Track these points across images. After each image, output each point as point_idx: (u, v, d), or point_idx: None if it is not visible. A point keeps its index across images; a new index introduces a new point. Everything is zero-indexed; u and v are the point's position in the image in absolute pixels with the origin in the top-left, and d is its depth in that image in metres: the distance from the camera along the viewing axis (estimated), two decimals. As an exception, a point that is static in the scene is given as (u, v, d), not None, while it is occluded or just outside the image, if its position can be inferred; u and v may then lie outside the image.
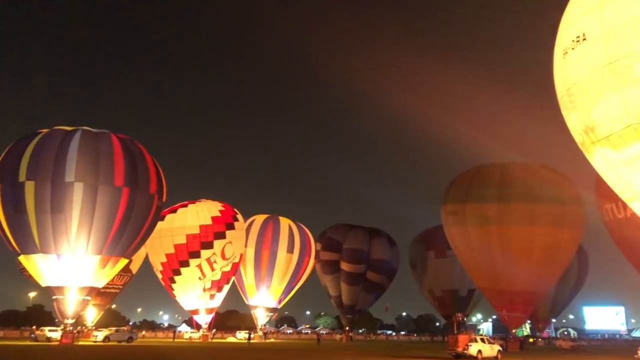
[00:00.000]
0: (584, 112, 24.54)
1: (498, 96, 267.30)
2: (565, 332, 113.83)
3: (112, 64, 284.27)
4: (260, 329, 70.18)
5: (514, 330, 59.02)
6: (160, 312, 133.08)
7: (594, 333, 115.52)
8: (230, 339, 72.25)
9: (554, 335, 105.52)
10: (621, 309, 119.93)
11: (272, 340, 75.95)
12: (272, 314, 71.23)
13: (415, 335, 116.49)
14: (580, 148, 26.82)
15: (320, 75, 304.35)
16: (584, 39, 23.44)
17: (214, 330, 69.83)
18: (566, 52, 24.82)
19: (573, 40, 24.19)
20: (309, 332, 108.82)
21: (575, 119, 25.45)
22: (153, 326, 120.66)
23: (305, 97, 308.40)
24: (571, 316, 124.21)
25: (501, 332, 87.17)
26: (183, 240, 58.09)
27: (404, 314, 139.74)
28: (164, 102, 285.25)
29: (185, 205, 61.10)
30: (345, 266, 72.65)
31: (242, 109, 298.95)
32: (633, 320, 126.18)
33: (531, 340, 72.15)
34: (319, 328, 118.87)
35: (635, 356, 34.29)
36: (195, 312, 61.73)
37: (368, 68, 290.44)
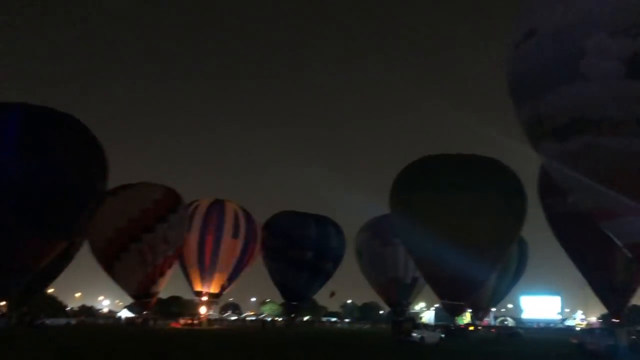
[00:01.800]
0: (532, 105, 24.99)
1: (446, 88, 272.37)
2: (504, 321, 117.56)
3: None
4: (204, 315, 69.05)
5: (455, 319, 60.23)
6: (100, 298, 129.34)
7: (530, 322, 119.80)
8: (174, 325, 70.89)
9: (493, 323, 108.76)
10: (557, 298, 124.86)
11: (215, 326, 74.97)
12: (216, 300, 70.15)
13: (361, 322, 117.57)
14: (527, 140, 27.30)
15: (270, 60, 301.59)
16: (535, 34, 23.91)
17: (155, 316, 68.19)
18: (518, 46, 25.25)
19: (525, 34, 24.67)
20: (254, 318, 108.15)
21: (524, 111, 25.93)
22: (92, 312, 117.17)
23: (254, 82, 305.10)
24: (510, 305, 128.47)
25: (443, 320, 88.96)
26: (124, 225, 56.16)
27: (349, 301, 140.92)
28: (101, 75, 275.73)
29: (125, 188, 59.01)
30: (291, 253, 72.35)
31: (187, 91, 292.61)
32: (567, 310, 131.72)
33: (471, 328, 73.75)
34: (264, 315, 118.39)
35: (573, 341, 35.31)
36: (137, 297, 59.99)
37: (317, 54, 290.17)
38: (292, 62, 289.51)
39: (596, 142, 23.89)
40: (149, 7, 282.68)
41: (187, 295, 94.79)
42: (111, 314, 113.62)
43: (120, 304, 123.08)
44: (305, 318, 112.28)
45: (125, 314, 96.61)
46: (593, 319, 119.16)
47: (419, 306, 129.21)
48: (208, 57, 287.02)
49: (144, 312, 64.23)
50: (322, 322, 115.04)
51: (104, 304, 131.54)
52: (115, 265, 57.69)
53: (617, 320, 51.97)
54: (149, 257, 57.31)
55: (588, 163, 24.79)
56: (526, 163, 52.53)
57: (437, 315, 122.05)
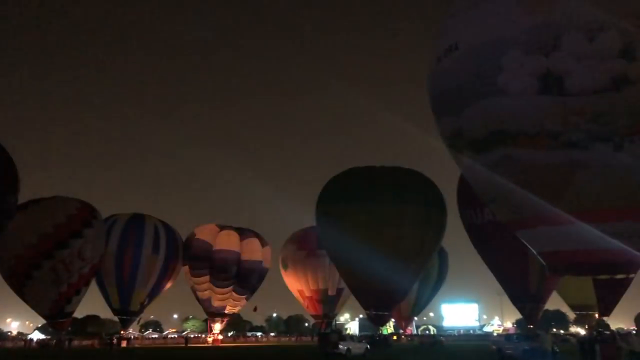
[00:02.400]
0: (453, 118, 25.77)
1: (372, 101, 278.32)
2: (426, 329, 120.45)
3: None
4: (124, 334, 66.18)
5: (379, 329, 60.99)
6: (8, 320, 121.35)
7: (451, 329, 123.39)
8: (91, 346, 67.49)
9: (415, 332, 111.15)
10: (475, 306, 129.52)
11: (136, 345, 71.99)
12: (135, 318, 67.46)
13: (294, 336, 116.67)
14: (448, 152, 28.09)
15: (191, 69, 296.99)
16: (456, 48, 24.78)
17: (69, 337, 64.56)
18: (439, 60, 26.03)
19: (446, 49, 25.51)
20: (176, 336, 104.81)
21: (444, 124, 26.66)
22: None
23: (174, 91, 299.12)
24: (431, 314, 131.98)
25: (367, 331, 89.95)
26: (34, 241, 52.88)
27: (274, 314, 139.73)
28: (14, 91, 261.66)
29: (37, 202, 55.69)
30: (214, 268, 70.77)
31: (104, 100, 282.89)
32: (485, 316, 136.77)
33: (395, 337, 75.06)
34: (186, 332, 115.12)
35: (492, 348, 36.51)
36: (50, 317, 56.57)
37: (240, 65, 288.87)
38: (214, 71, 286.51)
39: (513, 154, 24.94)
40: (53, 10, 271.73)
41: (105, 314, 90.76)
42: (21, 336, 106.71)
43: (31, 325, 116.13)
44: (230, 333, 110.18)
45: (37, 335, 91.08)
46: (509, 325, 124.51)
47: (344, 317, 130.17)
48: (124, 65, 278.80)
49: (59, 333, 60.65)
50: (248, 336, 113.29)
51: (13, 325, 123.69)
52: (25, 284, 54.15)
53: (532, 326, 54.49)
54: (64, 275, 54.23)
55: (505, 174, 25.83)
56: (446, 175, 54.37)
57: (362, 326, 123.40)
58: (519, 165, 25.13)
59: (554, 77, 23.01)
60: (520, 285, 51.63)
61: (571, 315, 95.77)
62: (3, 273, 54.70)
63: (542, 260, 29.52)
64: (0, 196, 41.78)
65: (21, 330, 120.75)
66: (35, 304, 56.28)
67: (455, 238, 61.71)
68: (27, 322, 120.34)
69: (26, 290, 54.84)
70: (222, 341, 78.45)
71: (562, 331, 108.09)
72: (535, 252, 29.43)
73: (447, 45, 25.60)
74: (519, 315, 68.12)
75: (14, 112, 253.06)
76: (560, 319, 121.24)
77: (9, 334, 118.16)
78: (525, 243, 29.57)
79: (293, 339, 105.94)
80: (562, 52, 22.74)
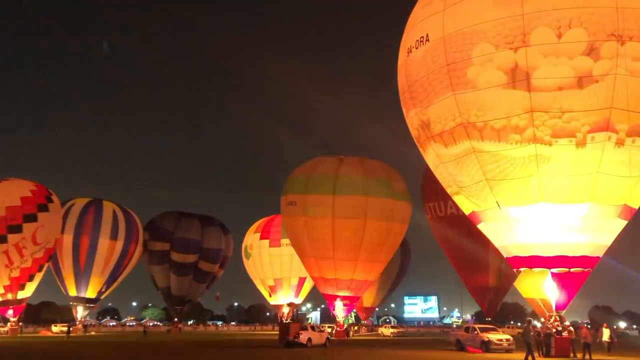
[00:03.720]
0: (422, 109, 25.91)
1: (339, 91, 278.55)
2: (387, 320, 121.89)
3: None
4: (80, 321, 64.81)
5: (341, 319, 61.29)
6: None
7: (411, 320, 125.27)
8: (46, 333, 65.78)
9: (376, 323, 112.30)
10: (435, 298, 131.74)
11: (92, 333, 70.62)
12: (92, 305, 66.14)
13: (251, 325, 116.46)
14: (415, 143, 28.24)
15: (160, 56, 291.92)
16: (427, 40, 24.91)
17: (21, 323, 62.66)
18: (410, 51, 26.11)
19: (417, 40, 25.63)
20: (134, 324, 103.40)
21: (413, 115, 26.87)
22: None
23: (137, 76, 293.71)
24: (392, 305, 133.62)
25: (329, 321, 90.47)
26: (-15, 223, 51.23)
27: (235, 304, 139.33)
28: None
29: (-11, 184, 53.91)
30: (175, 256, 69.99)
31: (64, 80, 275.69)
32: (445, 308, 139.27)
33: (356, 328, 75.59)
34: (145, 320, 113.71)
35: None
36: (2, 303, 54.93)
37: (210, 51, 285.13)
38: (181, 51, 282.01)
39: (479, 146, 25.27)
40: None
41: (61, 301, 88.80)
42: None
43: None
44: (190, 322, 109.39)
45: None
46: (468, 317, 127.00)
47: (306, 307, 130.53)
48: (82, 52, 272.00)
49: (11, 320, 58.87)
50: (208, 325, 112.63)
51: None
52: (-25, 268, 52.45)
53: (490, 318, 55.65)
54: (16, 260, 52.70)
55: (471, 167, 26.17)
56: (412, 167, 54.85)
57: (323, 316, 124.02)
58: (484, 158, 25.47)
59: (521, 72, 23.35)
60: (479, 279, 52.70)
61: (529, 308, 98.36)
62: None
63: (502, 253, 30.11)
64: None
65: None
66: (-15, 290, 54.56)
67: (418, 231, 62.47)
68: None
69: (-22, 276, 53.12)
70: (181, 330, 77.68)
71: (519, 323, 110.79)
72: (495, 244, 29.98)
73: (418, 36, 25.69)
74: (478, 308, 69.50)
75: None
76: (518, 312, 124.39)
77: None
78: (486, 236, 30.08)
79: (255, 328, 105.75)
80: (530, 48, 23.06)
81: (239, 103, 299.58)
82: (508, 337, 32.86)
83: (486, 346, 31.32)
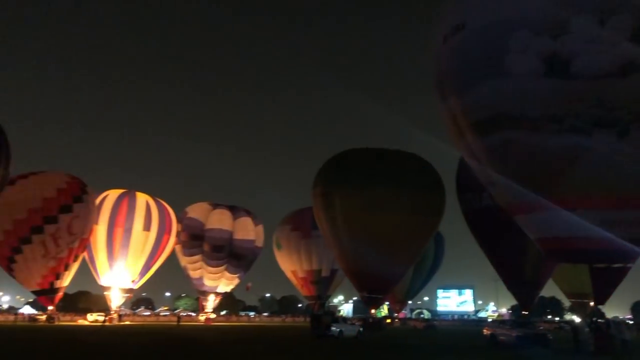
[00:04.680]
0: (456, 99, 25.53)
1: (370, 82, 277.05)
2: (420, 313, 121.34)
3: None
4: (115, 311, 66.38)
5: (373, 311, 61.25)
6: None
7: (445, 314, 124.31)
8: (82, 322, 67.65)
9: (409, 316, 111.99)
10: (470, 291, 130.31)
11: (127, 322, 72.26)
12: (127, 295, 67.61)
13: (280, 316, 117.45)
14: (448, 134, 27.89)
15: (186, 50, 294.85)
16: (463, 28, 24.49)
17: (56, 311, 64.48)
18: (445, 39, 25.75)
19: (453, 28, 25.23)
20: (168, 314, 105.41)
21: (448, 104, 26.47)
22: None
23: (168, 72, 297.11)
24: (426, 298, 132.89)
25: (361, 313, 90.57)
26: (23, 215, 52.90)
27: (267, 295, 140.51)
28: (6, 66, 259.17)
29: (25, 177, 55.50)
30: (207, 247, 70.91)
31: (99, 76, 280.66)
32: (480, 302, 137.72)
33: (388, 320, 75.59)
34: (179, 310, 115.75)
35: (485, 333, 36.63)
36: (40, 292, 56.67)
37: (235, 44, 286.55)
38: (208, 51, 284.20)
39: (516, 137, 24.79)
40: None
41: (96, 290, 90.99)
42: (12, 310, 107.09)
43: (22, 299, 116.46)
44: (223, 312, 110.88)
45: (27, 310, 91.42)
46: (504, 311, 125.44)
47: (338, 299, 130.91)
48: (119, 45, 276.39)
49: (49, 308, 60.79)
50: (240, 316, 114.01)
51: (3, 300, 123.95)
52: (14, 259, 54.12)
53: (526, 312, 54.79)
54: (52, 250, 54.22)
55: (507, 158, 25.72)
56: (445, 158, 54.25)
57: (355, 308, 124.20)
58: (520, 149, 24.96)
59: (560, 60, 22.75)
60: (516, 271, 51.77)
61: (567, 302, 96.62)
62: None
63: (538, 246, 29.54)
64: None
65: (12, 304, 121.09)
66: (24, 279, 56.26)
67: (453, 223, 61.79)
68: (17, 297, 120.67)
69: (15, 266, 54.79)
70: (214, 320, 78.78)
71: (557, 318, 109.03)
72: (532, 237, 29.43)
73: (454, 24, 25.29)
74: (514, 302, 68.51)
75: (5, 87, 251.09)
76: (555, 306, 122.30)
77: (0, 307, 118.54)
78: (523, 228, 29.55)
79: (286, 319, 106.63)
80: (571, 35, 22.43)
81: (269, 94, 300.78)
82: (544, 332, 32.39)
83: (521, 341, 30.92)
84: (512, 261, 50.79)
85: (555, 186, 25.43)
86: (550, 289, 69.69)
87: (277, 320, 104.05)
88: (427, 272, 75.38)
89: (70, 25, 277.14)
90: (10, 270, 55.43)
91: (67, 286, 60.45)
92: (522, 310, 55.74)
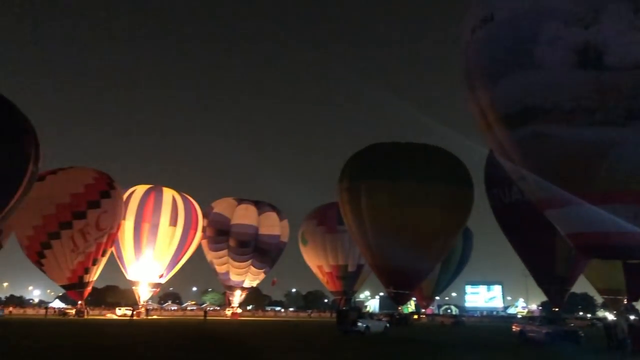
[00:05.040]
0: (485, 91, 25.18)
1: (396, 76, 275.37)
2: (448, 309, 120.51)
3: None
4: (143, 305, 67.37)
5: (400, 307, 61.03)
6: (30, 287, 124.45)
7: (473, 310, 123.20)
8: (110, 316, 68.91)
9: (437, 312, 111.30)
10: (499, 287, 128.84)
11: (154, 317, 73.31)
12: (154, 289, 68.57)
13: (305, 311, 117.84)
14: (476, 128, 27.53)
15: (211, 47, 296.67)
16: (492, 19, 24.14)
17: (85, 305, 65.80)
18: (474, 31, 25.39)
19: (481, 20, 24.88)
20: (195, 308, 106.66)
21: (476, 98, 26.08)
22: (22, 302, 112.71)
23: (195, 70, 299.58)
24: (454, 294, 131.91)
25: (388, 309, 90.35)
26: (52, 211, 54.05)
27: (293, 290, 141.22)
28: (33, 55, 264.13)
29: (54, 173, 56.66)
30: (232, 242, 71.41)
31: (127, 73, 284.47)
32: (509, 298, 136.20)
33: (415, 316, 75.25)
34: (205, 304, 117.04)
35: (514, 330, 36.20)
36: (69, 286, 57.82)
37: (261, 40, 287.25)
38: (234, 47, 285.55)
39: (546, 130, 24.32)
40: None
41: (124, 285, 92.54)
42: (43, 304, 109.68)
43: (52, 293, 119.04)
44: (249, 307, 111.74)
45: (57, 304, 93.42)
46: (534, 307, 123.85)
47: (364, 294, 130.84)
48: (145, 41, 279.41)
49: (78, 303, 62.02)
50: (266, 311, 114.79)
51: (34, 294, 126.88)
52: (44, 254, 55.30)
53: (557, 309, 53.98)
54: (81, 244, 55.24)
55: (537, 151, 25.24)
56: (473, 153, 53.67)
57: (382, 304, 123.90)
58: (551, 142, 24.47)
59: (593, 50, 22.22)
60: (546, 267, 51.00)
61: (599, 299, 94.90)
62: (22, 243, 55.82)
63: (570, 242, 28.97)
64: (21, 166, 42.33)
65: (42, 299, 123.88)
66: (54, 274, 57.45)
67: (481, 218, 61.14)
68: (47, 291, 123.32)
69: (44, 261, 56.00)
70: (240, 315, 79.43)
71: (589, 315, 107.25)
72: (563, 233, 28.89)
73: (482, 15, 24.92)
74: (544, 298, 67.59)
75: (35, 83, 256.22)
76: (587, 303, 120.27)
77: (31, 301, 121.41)
78: (554, 223, 29.01)
79: (312, 314, 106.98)
80: (604, 24, 21.89)
81: (295, 88, 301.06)
82: (575, 329, 31.82)
83: (551, 338, 30.46)
84: (542, 257, 50.04)
85: (588, 180, 24.89)
86: (581, 285, 68.68)
87: (302, 316, 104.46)
88: (455, 268, 74.72)
89: (99, 24, 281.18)
90: (40, 265, 56.67)
91: (95, 280, 61.55)
92: (553, 306, 54.99)
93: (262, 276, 77.34)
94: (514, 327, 37.09)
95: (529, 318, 44.10)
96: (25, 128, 43.83)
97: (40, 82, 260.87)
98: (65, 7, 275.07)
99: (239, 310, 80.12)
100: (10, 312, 71.01)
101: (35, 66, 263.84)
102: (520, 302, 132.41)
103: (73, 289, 58.72)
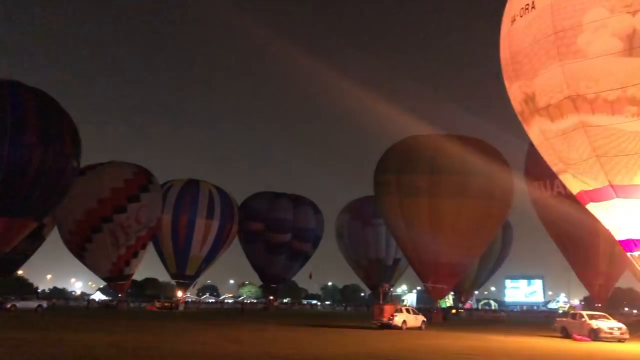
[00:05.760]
0: (526, 82, 24.72)
1: (431, 67, 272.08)
2: (487, 304, 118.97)
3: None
4: (181, 297, 68.59)
5: (437, 302, 60.53)
6: (72, 280, 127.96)
7: (513, 305, 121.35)
8: (150, 308, 70.41)
9: (475, 306, 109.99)
10: (540, 282, 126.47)
11: (193, 309, 74.62)
12: (192, 282, 69.70)
13: (341, 305, 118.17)
14: (518, 118, 27.08)
15: (244, 42, 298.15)
16: (533, 8, 23.66)
17: (126, 298, 67.42)
18: (514, 20, 24.95)
19: (522, 8, 24.46)
20: (232, 301, 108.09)
21: (516, 88, 25.73)
22: (64, 294, 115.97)
23: (229, 64, 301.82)
24: (493, 288, 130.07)
25: (425, 303, 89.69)
26: (94, 205, 55.36)
27: (330, 283, 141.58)
28: (76, 53, 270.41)
29: (94, 168, 57.92)
30: (268, 236, 72.02)
31: (164, 68, 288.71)
32: (550, 293, 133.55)
33: (454, 311, 74.46)
34: (242, 297, 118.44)
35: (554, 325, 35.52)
36: (110, 279, 59.31)
37: (295, 36, 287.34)
38: (267, 42, 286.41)
39: (589, 120, 23.69)
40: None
41: (163, 277, 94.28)
42: (84, 296, 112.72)
43: (94, 285, 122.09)
44: (285, 300, 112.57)
45: (98, 296, 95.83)
46: (576, 302, 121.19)
47: (401, 289, 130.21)
48: (183, 37, 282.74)
49: (119, 295, 63.54)
50: (302, 304, 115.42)
51: (77, 286, 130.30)
52: (85, 247, 56.81)
53: (600, 305, 52.70)
54: (122, 238, 56.53)
55: (580, 142, 24.61)
56: (513, 145, 52.72)
57: (419, 298, 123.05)
58: (595, 133, 23.83)
59: (640, 37, 21.46)
60: (589, 262, 49.91)
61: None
62: (64, 237, 57.40)
63: (614, 236, 28.24)
64: (62, 161, 43.61)
65: (84, 291, 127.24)
66: (95, 267, 59.00)
67: (521, 210, 60.05)
68: (89, 283, 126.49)
69: (86, 254, 57.50)
70: (277, 307, 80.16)
71: (634, 311, 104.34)
72: (606, 226, 28.18)
73: (523, 4, 24.38)
74: (587, 293, 66.08)
75: (74, 80, 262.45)
76: (633, 299, 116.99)
77: (73, 293, 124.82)
78: (597, 217, 28.32)
79: (348, 308, 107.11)
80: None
81: (331, 82, 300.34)
82: (621, 325, 31.01)
83: (595, 334, 29.81)
84: (585, 251, 48.98)
85: (633, 172, 24.19)
86: (628, 281, 66.82)
87: (339, 309, 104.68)
88: (494, 262, 73.69)
89: (141, 21, 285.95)
90: (82, 258, 58.23)
91: (135, 273, 62.90)
92: (596, 302, 53.75)
93: (297, 269, 77.85)
94: (555, 322, 36.41)
95: (572, 314, 43.03)
96: (67, 125, 45.16)
97: (79, 77, 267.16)
98: (106, 5, 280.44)
99: (275, 304, 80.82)
100: (54, 303, 73.08)
101: (75, 62, 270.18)
102: (562, 297, 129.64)
103: (114, 281, 60.13)
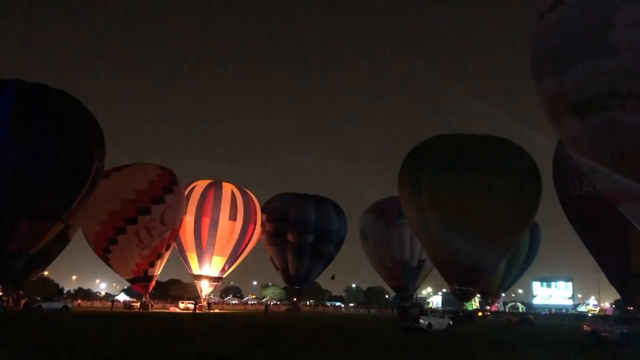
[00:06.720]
0: (555, 79, 24.31)
1: (458, 65, 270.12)
2: (514, 307, 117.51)
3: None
4: (205, 299, 69.08)
5: (464, 304, 59.98)
6: (97, 280, 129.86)
7: (541, 307, 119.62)
8: (173, 309, 71.06)
9: (503, 309, 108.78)
10: (569, 284, 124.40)
11: (216, 310, 75.06)
12: (215, 283, 70.13)
13: (365, 307, 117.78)
14: (546, 116, 26.67)
15: (269, 42, 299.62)
16: (562, 3, 23.24)
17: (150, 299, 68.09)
18: (542, 16, 24.56)
19: (551, 4, 24.01)
20: (255, 302, 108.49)
21: (545, 86, 25.28)
22: (89, 295, 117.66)
23: (253, 64, 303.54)
24: (520, 290, 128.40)
25: (451, 306, 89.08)
26: (118, 207, 55.94)
27: (353, 285, 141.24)
28: (99, 54, 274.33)
29: (119, 169, 58.71)
30: (291, 237, 72.14)
31: (187, 69, 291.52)
32: (580, 295, 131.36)
33: (480, 314, 73.73)
34: (266, 299, 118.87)
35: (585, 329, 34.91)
36: (135, 280, 59.99)
37: (321, 34, 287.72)
38: (292, 43, 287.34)
39: (621, 118, 23.19)
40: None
41: (187, 279, 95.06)
42: (109, 297, 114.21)
43: (118, 286, 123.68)
44: (309, 302, 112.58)
45: (123, 297, 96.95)
46: (606, 305, 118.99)
47: (426, 291, 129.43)
48: (209, 39, 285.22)
49: (143, 296, 64.24)
50: (326, 306, 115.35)
51: (101, 286, 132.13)
52: (110, 249, 57.50)
53: (631, 308, 51.62)
54: (146, 239, 57.11)
55: (611, 140, 24.11)
56: (541, 144, 51.91)
57: (445, 301, 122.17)
58: (627, 131, 23.32)
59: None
60: (620, 264, 48.85)
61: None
62: (88, 239, 58.17)
63: (648, 238, 27.67)
64: (87, 163, 44.18)
65: (109, 291, 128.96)
66: (119, 268, 59.66)
67: (549, 211, 59.20)
68: (114, 284, 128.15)
69: (110, 255, 58.16)
70: (300, 309, 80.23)
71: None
72: (639, 227, 27.59)
73: (552, 0, 23.95)
74: (617, 296, 64.88)
75: (99, 82, 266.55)
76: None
77: (98, 294, 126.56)
78: (629, 218, 27.74)
79: (372, 310, 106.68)
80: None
81: (356, 81, 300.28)
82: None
83: (627, 338, 29.19)
84: (616, 253, 47.98)
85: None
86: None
87: (362, 312, 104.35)
88: (521, 263, 72.75)
89: (160, 21, 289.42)
90: (106, 260, 58.93)
91: (159, 274, 63.52)
92: (627, 305, 52.68)
93: (320, 270, 77.80)
94: (585, 326, 35.79)
95: (602, 317, 42.25)
96: (92, 127, 45.81)
97: (104, 79, 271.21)
98: (131, 6, 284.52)
99: (299, 305, 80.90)
100: (79, 304, 74.20)
101: (99, 64, 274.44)
102: (592, 300, 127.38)
103: (138, 282, 60.74)
